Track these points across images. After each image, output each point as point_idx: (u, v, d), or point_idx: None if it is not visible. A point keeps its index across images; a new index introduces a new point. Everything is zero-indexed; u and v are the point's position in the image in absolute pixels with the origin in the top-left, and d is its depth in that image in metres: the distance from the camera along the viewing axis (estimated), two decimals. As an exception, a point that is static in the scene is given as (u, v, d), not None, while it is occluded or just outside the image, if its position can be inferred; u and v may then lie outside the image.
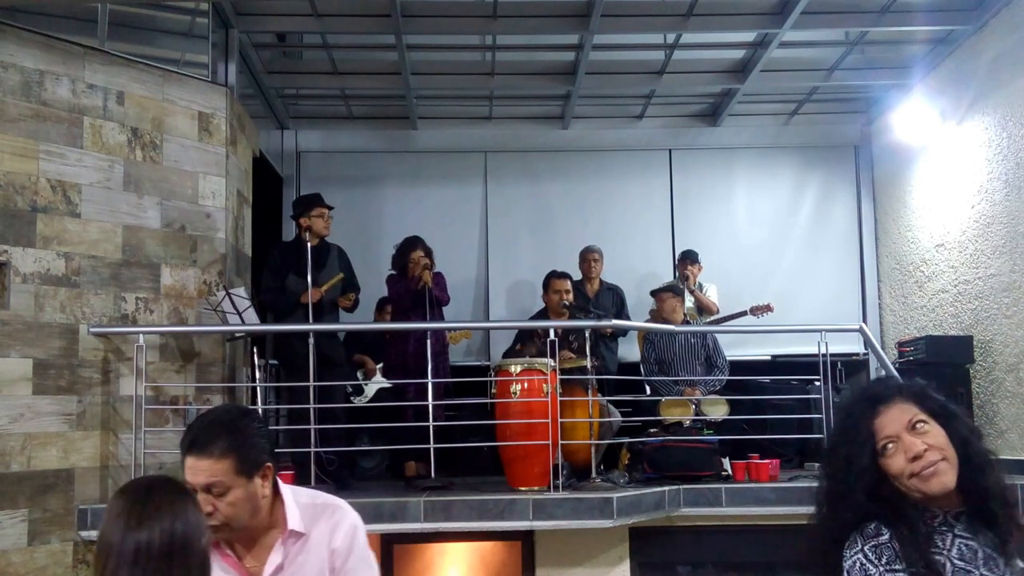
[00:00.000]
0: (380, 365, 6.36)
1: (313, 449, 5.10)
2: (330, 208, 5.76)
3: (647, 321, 6.65)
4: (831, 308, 7.46)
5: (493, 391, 5.19)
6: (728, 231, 7.84)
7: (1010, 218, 5.89)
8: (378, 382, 6.33)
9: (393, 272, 6.14)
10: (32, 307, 4.85)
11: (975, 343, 6.25)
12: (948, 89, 6.62)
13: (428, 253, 5.98)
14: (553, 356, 5.01)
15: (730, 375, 6.29)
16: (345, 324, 6.03)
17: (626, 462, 5.76)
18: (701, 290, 7.02)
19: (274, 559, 2.11)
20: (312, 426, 5.11)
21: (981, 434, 1.76)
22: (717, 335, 6.42)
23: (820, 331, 5.59)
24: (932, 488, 1.65)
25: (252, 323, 5.35)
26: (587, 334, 5.33)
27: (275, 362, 6.17)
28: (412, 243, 6.05)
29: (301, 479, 4.94)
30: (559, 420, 4.98)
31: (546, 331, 5.25)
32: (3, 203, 4.79)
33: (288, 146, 7.87)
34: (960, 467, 1.67)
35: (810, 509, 1.84)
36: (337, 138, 7.96)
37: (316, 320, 5.47)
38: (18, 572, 4.63)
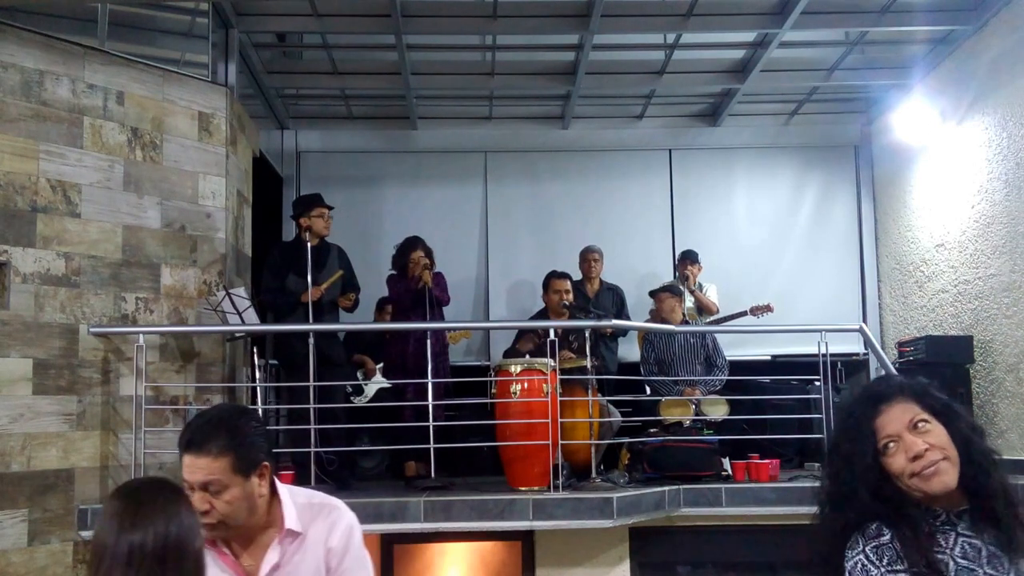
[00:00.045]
0: (380, 365, 6.36)
1: (313, 449, 5.10)
2: (330, 208, 5.76)
3: (647, 321, 6.65)
4: (831, 308, 7.46)
5: (493, 391, 5.19)
6: (728, 231, 7.84)
7: (1010, 218, 5.89)
8: (378, 382, 6.33)
9: (393, 272, 6.14)
10: (32, 307, 4.85)
11: (975, 343, 6.25)
12: (948, 89, 6.62)
13: (428, 253, 5.98)
14: (553, 356, 5.01)
15: (730, 375, 6.28)
16: (345, 324, 6.03)
17: (626, 462, 5.76)
18: (701, 290, 7.02)
19: (271, 558, 2.12)
20: (312, 426, 5.11)
21: (984, 433, 1.75)
22: (717, 335, 6.42)
23: (820, 331, 5.59)
24: (933, 488, 1.65)
25: (252, 323, 5.35)
26: (587, 334, 5.33)
27: (275, 362, 6.17)
28: (412, 243, 6.05)
29: (301, 479, 4.94)
30: (559, 420, 4.98)
31: (546, 331, 5.25)
32: (3, 203, 4.79)
33: (288, 146, 7.87)
34: (962, 466, 1.67)
35: (811, 509, 1.83)
36: (337, 138, 7.96)
37: (316, 320, 5.47)
38: (18, 572, 4.63)
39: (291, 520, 2.13)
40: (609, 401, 5.83)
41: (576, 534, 4.95)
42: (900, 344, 6.72)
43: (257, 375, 5.80)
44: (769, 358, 7.40)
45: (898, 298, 7.51)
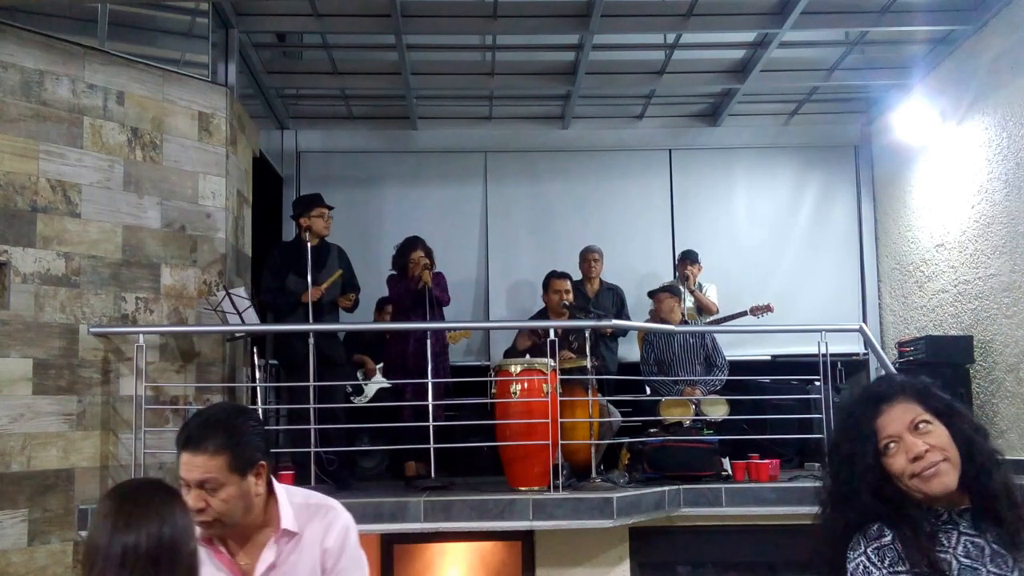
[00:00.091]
0: (380, 365, 6.36)
1: (313, 449, 5.10)
2: (330, 208, 5.76)
3: (646, 322, 6.64)
4: (831, 308, 7.46)
5: (493, 391, 5.19)
6: (728, 231, 7.84)
7: (1010, 218, 5.89)
8: (378, 382, 6.33)
9: (393, 272, 6.13)
10: (32, 307, 4.85)
11: (975, 343, 6.25)
12: (948, 89, 6.63)
13: (428, 253, 5.97)
14: (553, 356, 5.01)
15: (730, 375, 6.28)
16: (345, 324, 6.03)
17: (626, 462, 5.76)
18: (701, 290, 7.01)
19: (267, 557, 2.13)
20: (312, 426, 5.10)
21: (987, 433, 1.74)
22: (716, 335, 6.42)
23: (820, 331, 5.59)
24: (933, 489, 1.65)
25: (252, 323, 5.35)
26: (587, 334, 5.33)
27: (275, 362, 6.17)
28: (412, 243, 6.04)
29: (301, 479, 4.94)
30: (559, 420, 4.98)
31: (546, 331, 5.25)
32: (3, 203, 4.79)
33: (288, 146, 7.87)
34: (964, 467, 1.66)
35: (811, 509, 1.83)
36: (337, 138, 7.96)
37: (316, 320, 5.47)
38: (18, 572, 4.63)
39: (287, 520, 2.14)
40: (609, 401, 5.83)
41: (576, 534, 4.95)
42: (900, 344, 6.72)
43: (257, 375, 5.81)
44: (769, 358, 7.40)
45: (898, 298, 7.51)
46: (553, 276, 6.15)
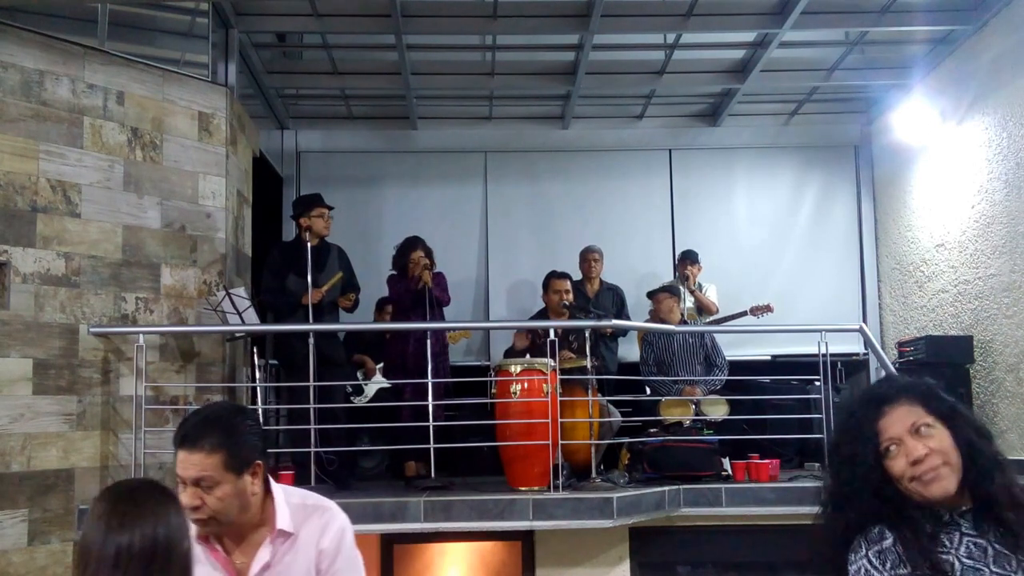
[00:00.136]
0: (380, 365, 6.36)
1: (313, 449, 5.10)
2: (330, 208, 5.76)
3: (646, 322, 6.64)
4: (831, 308, 7.46)
5: (493, 391, 5.19)
6: (728, 231, 7.84)
7: (1010, 218, 5.89)
8: (378, 382, 6.33)
9: (393, 272, 6.13)
10: (32, 307, 4.85)
11: (975, 343, 6.25)
12: (948, 89, 6.63)
13: (428, 253, 5.97)
14: (553, 356, 5.01)
15: (730, 375, 6.28)
16: (345, 324, 6.03)
17: (626, 462, 5.76)
18: (701, 290, 7.01)
19: (262, 557, 2.14)
20: (312, 426, 5.11)
21: (990, 436, 1.72)
22: (716, 335, 6.42)
23: (820, 331, 5.59)
24: (932, 493, 1.64)
25: (252, 323, 5.35)
26: (587, 334, 5.33)
27: (275, 362, 6.17)
28: (412, 243, 6.04)
29: (301, 479, 4.95)
30: (559, 420, 4.98)
31: (545, 331, 5.25)
32: (3, 203, 4.79)
33: (288, 146, 7.87)
34: (965, 470, 1.65)
35: (811, 509, 1.82)
36: (337, 138, 7.96)
37: (316, 320, 5.47)
38: (18, 572, 4.63)
39: (283, 520, 2.15)
40: (609, 401, 5.83)
41: (576, 534, 4.95)
42: (900, 344, 6.72)
43: (257, 375, 5.81)
44: (769, 358, 7.39)
45: (898, 298, 7.51)
46: (553, 276, 6.15)
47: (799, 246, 7.87)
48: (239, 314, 5.24)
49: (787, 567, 5.08)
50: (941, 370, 6.07)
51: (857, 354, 7.42)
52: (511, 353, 6.03)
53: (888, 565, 1.63)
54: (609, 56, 6.88)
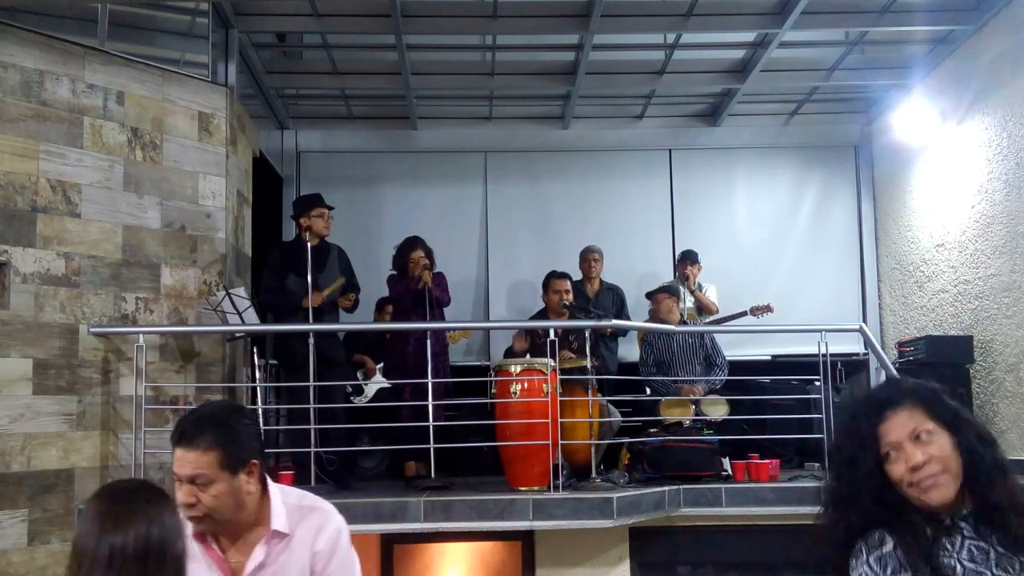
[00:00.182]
0: (380, 365, 6.36)
1: (313, 449, 5.10)
2: (330, 208, 5.76)
3: (646, 322, 6.64)
4: (831, 308, 7.46)
5: (493, 391, 5.19)
6: (728, 231, 7.84)
7: (1010, 218, 5.89)
8: (378, 382, 6.33)
9: (393, 272, 6.13)
10: (32, 307, 4.85)
11: (975, 343, 6.25)
12: (948, 89, 6.63)
13: (428, 253, 5.97)
14: (553, 356, 5.01)
15: (730, 375, 6.29)
16: (345, 324, 6.03)
17: (626, 462, 5.76)
18: (701, 290, 7.01)
19: (256, 556, 2.15)
20: (312, 426, 5.11)
21: (993, 442, 1.70)
22: (716, 335, 6.42)
23: (820, 331, 5.59)
24: (931, 499, 1.64)
25: (252, 323, 5.35)
26: (587, 334, 5.33)
27: (275, 362, 6.17)
28: (412, 243, 6.04)
29: (301, 479, 4.95)
30: (559, 420, 4.98)
31: (545, 331, 5.25)
32: (3, 203, 4.79)
33: (288, 146, 7.87)
34: (966, 476, 1.64)
35: (811, 509, 1.83)
36: (337, 138, 7.96)
37: (316, 320, 5.47)
38: (18, 572, 4.63)
39: (278, 521, 2.16)
40: (609, 401, 5.83)
41: (576, 534, 4.95)
42: (900, 344, 6.72)
43: (257, 375, 5.81)
44: (769, 358, 7.40)
45: (898, 298, 7.51)
46: (553, 276, 6.15)
47: (799, 246, 7.87)
48: (239, 314, 5.24)
49: (787, 567, 5.07)
50: (941, 370, 6.08)
51: (857, 354, 7.42)
52: (511, 354, 6.03)
53: (889, 571, 1.62)
54: (609, 56, 6.88)
